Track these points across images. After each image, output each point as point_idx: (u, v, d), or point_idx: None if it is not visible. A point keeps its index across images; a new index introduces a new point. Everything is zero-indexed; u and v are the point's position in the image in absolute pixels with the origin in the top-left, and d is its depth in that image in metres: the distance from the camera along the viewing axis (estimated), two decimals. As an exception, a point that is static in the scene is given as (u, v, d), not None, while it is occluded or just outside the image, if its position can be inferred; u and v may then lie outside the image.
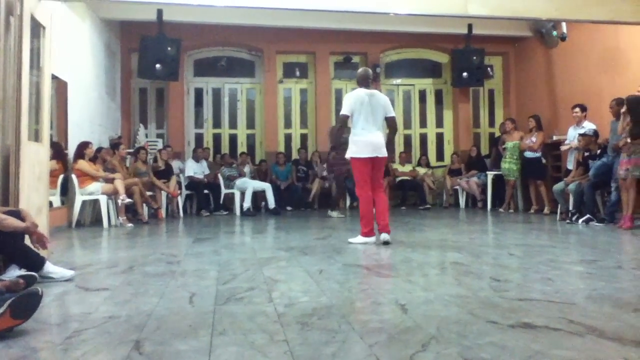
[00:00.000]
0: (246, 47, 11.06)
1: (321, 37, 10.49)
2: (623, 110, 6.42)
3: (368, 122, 4.98)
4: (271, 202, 9.25)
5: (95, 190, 7.17)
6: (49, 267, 3.39)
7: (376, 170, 5.05)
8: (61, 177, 7.00)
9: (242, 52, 11.19)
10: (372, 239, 5.00)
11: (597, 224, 6.67)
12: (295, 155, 10.90)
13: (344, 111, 5.05)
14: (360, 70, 5.36)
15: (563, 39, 9.01)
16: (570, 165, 7.92)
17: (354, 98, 5.04)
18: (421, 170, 10.66)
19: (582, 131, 7.54)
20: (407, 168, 10.71)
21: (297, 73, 11.21)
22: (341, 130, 5.41)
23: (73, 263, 4.11)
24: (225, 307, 2.67)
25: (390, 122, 5.17)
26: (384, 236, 4.93)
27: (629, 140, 6.23)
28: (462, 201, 10.31)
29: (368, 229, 5.00)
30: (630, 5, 5.91)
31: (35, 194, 4.24)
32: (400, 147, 11.35)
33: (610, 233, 5.90)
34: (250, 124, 11.27)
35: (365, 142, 4.96)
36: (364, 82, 5.18)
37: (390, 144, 5.22)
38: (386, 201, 5.13)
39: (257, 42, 10.73)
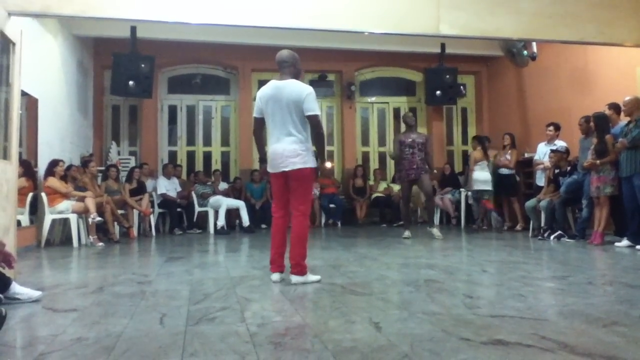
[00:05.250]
0: (221, 65, 11.06)
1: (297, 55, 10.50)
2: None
3: (274, 126, 3.87)
4: (245, 220, 9.19)
5: (65, 208, 7.04)
6: (16, 288, 3.30)
7: (291, 187, 3.90)
8: (30, 195, 6.86)
9: (217, 69, 11.18)
10: (272, 275, 3.99)
11: (568, 240, 6.77)
12: (270, 172, 10.84)
13: (254, 113, 4.05)
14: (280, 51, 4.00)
15: (533, 58, 9.18)
16: (540, 181, 8.06)
17: (259, 95, 3.98)
18: (396, 188, 10.69)
19: (554, 148, 7.68)
20: (382, 185, 10.76)
21: (272, 90, 11.21)
22: (257, 139, 4.16)
23: (41, 284, 4.01)
24: (197, 327, 2.62)
25: (310, 122, 3.82)
26: (292, 278, 3.87)
27: (598, 162, 6.33)
28: (436, 218, 10.36)
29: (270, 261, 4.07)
30: (596, 27, 6.10)
31: (2, 213, 4.14)
32: (375, 165, 11.44)
33: (581, 249, 5.99)
34: (225, 142, 11.23)
35: (269, 154, 3.94)
36: (280, 68, 3.93)
37: (321, 153, 3.97)
38: (298, 232, 3.86)
39: (232, 59, 10.74)
